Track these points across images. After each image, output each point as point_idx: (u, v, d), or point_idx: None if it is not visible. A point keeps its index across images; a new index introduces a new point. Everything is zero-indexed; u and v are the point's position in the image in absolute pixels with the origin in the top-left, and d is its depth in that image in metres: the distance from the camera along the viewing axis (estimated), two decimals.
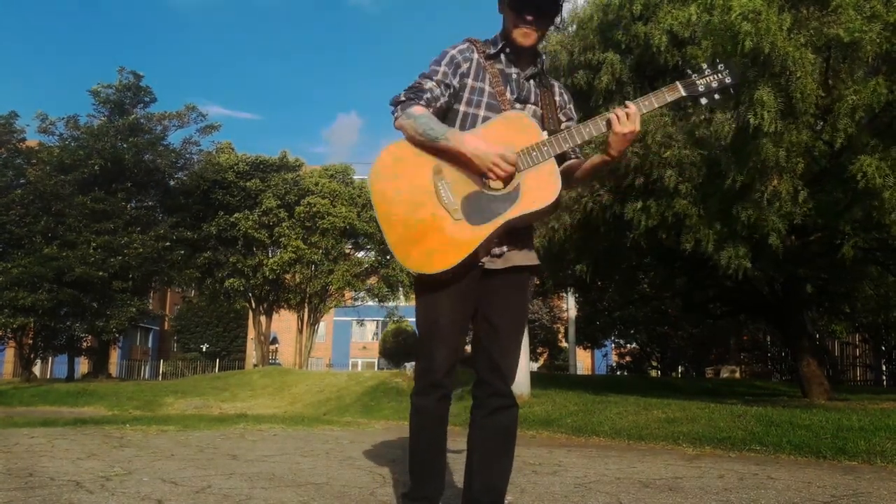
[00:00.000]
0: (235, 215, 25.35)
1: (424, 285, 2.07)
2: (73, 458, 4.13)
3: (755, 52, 6.40)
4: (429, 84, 2.10)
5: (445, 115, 2.15)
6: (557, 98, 2.24)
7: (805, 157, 7.00)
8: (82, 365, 29.85)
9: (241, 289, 26.53)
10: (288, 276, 27.27)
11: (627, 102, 1.99)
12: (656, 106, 2.02)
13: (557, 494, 3.17)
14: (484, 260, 2.07)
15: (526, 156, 1.98)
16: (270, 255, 27.15)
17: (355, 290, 28.47)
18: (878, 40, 6.36)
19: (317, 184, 26.98)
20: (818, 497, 3.12)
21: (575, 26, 9.16)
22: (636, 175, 7.61)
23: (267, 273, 26.08)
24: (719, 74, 2.03)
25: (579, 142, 2.00)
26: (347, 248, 27.51)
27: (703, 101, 2.06)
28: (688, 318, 20.60)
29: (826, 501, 3.03)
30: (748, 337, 23.85)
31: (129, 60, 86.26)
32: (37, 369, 28.43)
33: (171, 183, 25.67)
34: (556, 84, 2.27)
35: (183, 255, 24.28)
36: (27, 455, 4.26)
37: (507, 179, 1.98)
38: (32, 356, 24.80)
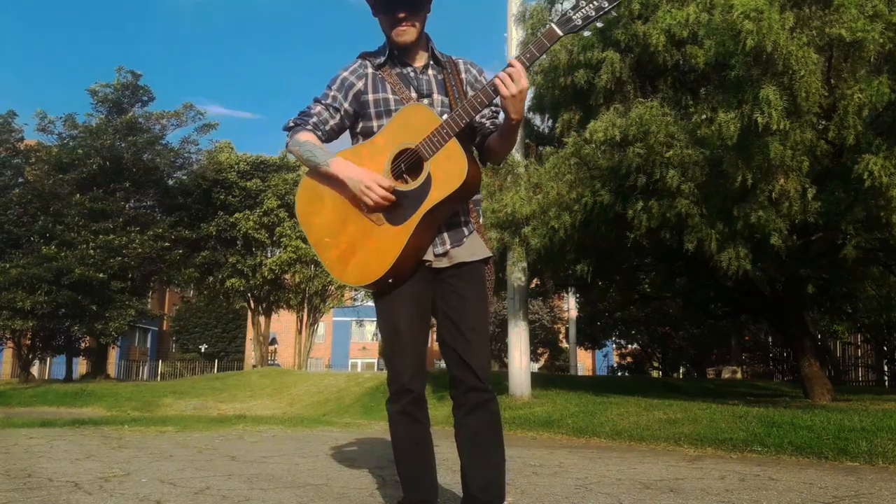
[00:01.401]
0: (236, 215, 25.33)
1: (380, 296, 2.10)
2: (71, 459, 4.11)
3: (757, 50, 6.38)
4: (317, 108, 2.16)
5: (360, 133, 2.17)
6: (464, 75, 2.21)
7: (808, 157, 6.98)
8: (81, 365, 29.84)
9: (241, 289, 26.50)
10: (288, 277, 27.26)
11: (511, 60, 1.94)
12: (538, 55, 1.96)
13: (558, 496, 3.15)
14: (430, 259, 2.08)
15: (428, 143, 1.96)
16: (269, 255, 27.14)
17: (355, 290, 28.45)
18: (880, 40, 6.34)
19: None
20: (820, 498, 3.10)
21: None
22: (638, 175, 7.59)
23: (266, 273, 26.06)
24: (595, 2, 1.98)
25: (474, 115, 1.96)
26: None
27: (587, 33, 1.99)
28: (689, 319, 20.57)
29: (827, 502, 3.01)
30: (749, 337, 23.82)
31: (128, 59, 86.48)
32: (35, 370, 28.42)
33: (170, 182, 25.66)
34: (460, 61, 2.24)
35: (182, 254, 24.27)
36: (26, 456, 4.24)
37: (380, 206, 1.97)
38: (31, 357, 24.79)
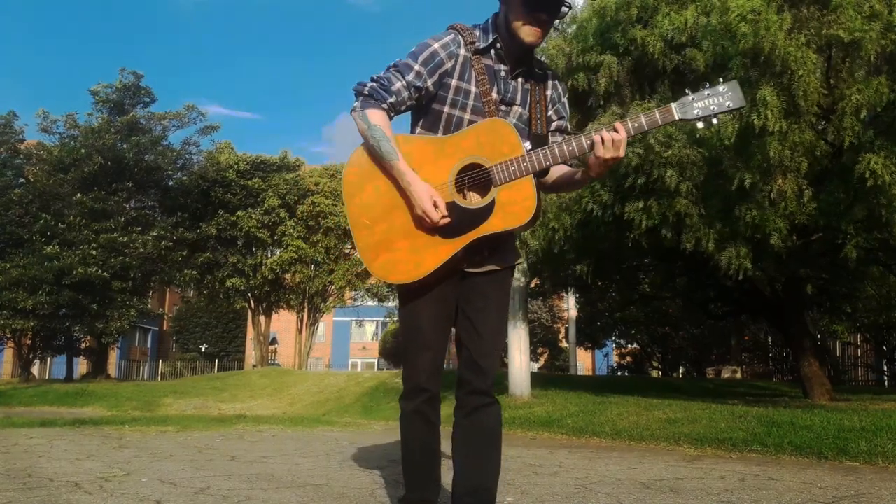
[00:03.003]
0: (238, 213, 25.26)
1: (406, 290, 2.03)
2: (71, 459, 4.12)
3: (755, 52, 6.39)
4: (397, 84, 1.96)
5: (426, 112, 2.03)
6: (549, 92, 2.10)
7: (807, 157, 6.99)
8: (81, 365, 29.83)
9: (242, 288, 26.47)
10: (288, 277, 27.25)
11: (617, 124, 1.87)
12: (646, 129, 1.89)
13: (558, 495, 3.15)
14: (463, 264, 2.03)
15: (503, 169, 1.88)
16: (270, 254, 27.12)
17: (355, 290, 28.46)
18: (879, 40, 6.34)
19: (317, 184, 26.98)
20: (819, 498, 3.10)
21: (575, 28, 9.16)
22: (637, 175, 7.60)
23: (267, 273, 26.04)
24: (720, 97, 1.88)
25: (560, 160, 1.90)
26: (347, 248, 27.50)
27: (700, 125, 1.90)
28: (689, 319, 20.60)
29: (827, 502, 3.01)
30: (749, 337, 23.85)
31: (129, 60, 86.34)
32: (35, 370, 28.43)
33: (171, 183, 25.66)
34: (549, 74, 2.12)
35: (183, 255, 24.29)
36: (26, 456, 4.24)
37: (436, 227, 1.89)
38: (31, 357, 24.79)
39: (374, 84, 1.96)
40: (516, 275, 9.83)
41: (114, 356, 35.03)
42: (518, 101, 2.04)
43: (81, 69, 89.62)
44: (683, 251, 7.86)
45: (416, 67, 1.96)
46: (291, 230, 25.99)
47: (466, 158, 1.91)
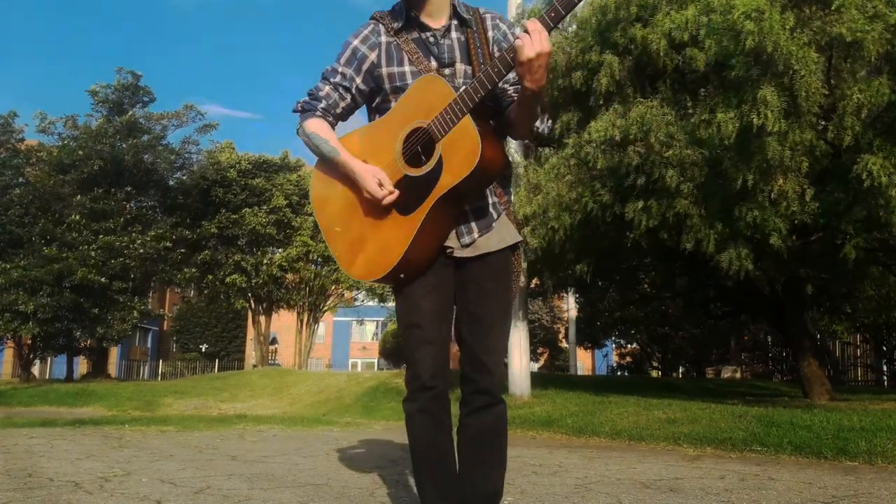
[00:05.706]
0: (243, 210, 25.17)
1: (398, 289, 1.92)
2: (72, 459, 4.12)
3: (758, 51, 6.40)
4: (325, 89, 1.93)
5: (378, 111, 1.95)
6: (491, 33, 1.94)
7: (808, 157, 6.99)
8: (81, 365, 29.82)
9: (243, 286, 26.41)
10: (289, 276, 27.21)
11: (528, 21, 1.67)
12: (564, 14, 1.68)
13: (558, 495, 3.15)
14: (452, 246, 1.88)
15: (441, 122, 1.74)
16: (272, 253, 27.08)
17: (358, 289, 28.44)
18: (880, 40, 6.35)
19: None
20: (819, 498, 3.11)
21: (574, 27, 9.16)
22: (637, 175, 7.60)
23: (274, 270, 25.97)
24: None
25: (490, 87, 1.71)
26: None
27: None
28: (688, 319, 20.58)
29: (827, 502, 3.02)
30: (749, 337, 23.84)
31: (128, 60, 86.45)
32: (36, 369, 28.42)
33: (171, 183, 25.65)
34: (488, 16, 1.96)
35: (182, 254, 24.27)
36: (26, 455, 4.25)
37: (390, 204, 1.81)
38: (31, 356, 24.78)
39: (306, 98, 1.96)
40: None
41: (114, 356, 35.05)
42: (458, 58, 1.90)
43: (81, 69, 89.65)
44: (683, 251, 7.87)
45: (340, 69, 1.92)
46: (304, 225, 25.89)
47: (408, 127, 1.81)
